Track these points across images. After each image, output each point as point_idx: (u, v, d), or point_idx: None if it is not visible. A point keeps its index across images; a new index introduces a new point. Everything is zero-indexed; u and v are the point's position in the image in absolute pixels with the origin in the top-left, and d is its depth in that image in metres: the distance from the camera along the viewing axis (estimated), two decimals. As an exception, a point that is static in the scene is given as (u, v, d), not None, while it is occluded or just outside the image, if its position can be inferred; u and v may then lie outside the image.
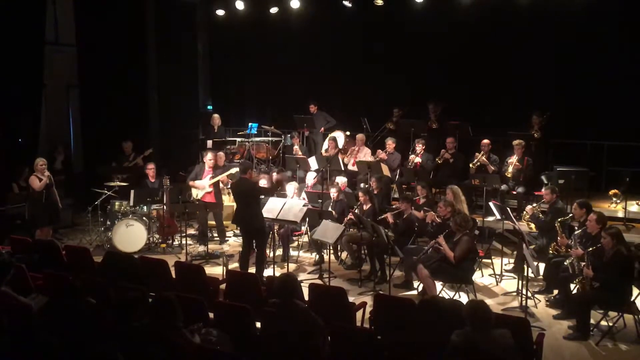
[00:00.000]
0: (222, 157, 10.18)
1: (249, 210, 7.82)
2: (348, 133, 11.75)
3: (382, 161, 10.46)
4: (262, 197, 8.05)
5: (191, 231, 10.29)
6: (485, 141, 10.07)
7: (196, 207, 9.56)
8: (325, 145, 11.36)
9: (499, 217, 8.55)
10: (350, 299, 6.23)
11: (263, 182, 9.29)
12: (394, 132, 11.46)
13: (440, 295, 7.09)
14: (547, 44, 11.09)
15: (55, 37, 12.27)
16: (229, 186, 9.90)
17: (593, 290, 6.39)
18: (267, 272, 7.90)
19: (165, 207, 9.66)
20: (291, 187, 9.37)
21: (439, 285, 7.31)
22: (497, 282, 8.09)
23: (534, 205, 8.42)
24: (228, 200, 10.40)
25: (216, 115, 12.67)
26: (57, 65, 12.15)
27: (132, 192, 9.54)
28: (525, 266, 6.66)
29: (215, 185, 9.54)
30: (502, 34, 11.44)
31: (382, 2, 11.91)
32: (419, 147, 10.47)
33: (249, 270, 7.70)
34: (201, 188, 9.52)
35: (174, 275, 6.80)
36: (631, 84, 10.38)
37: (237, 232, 10.28)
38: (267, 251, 8.68)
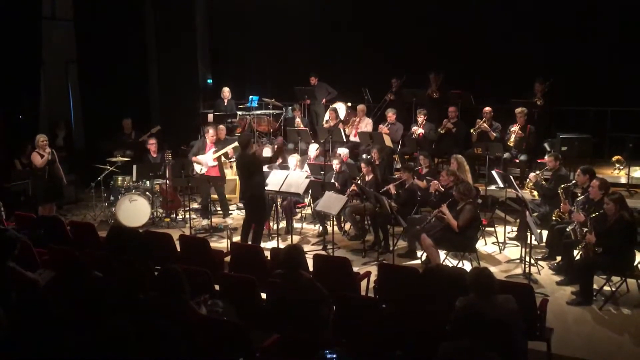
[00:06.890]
0: (223, 130, 10.14)
1: (249, 182, 7.88)
2: (349, 104, 11.66)
3: (385, 133, 10.41)
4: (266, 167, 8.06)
5: (194, 205, 10.32)
6: (487, 109, 9.99)
7: (199, 181, 9.56)
8: (327, 116, 11.30)
9: (501, 185, 8.55)
10: (355, 269, 6.25)
11: (267, 152, 9.27)
12: (394, 103, 11.36)
13: (443, 263, 7.12)
14: (548, 10, 10.93)
15: (52, 12, 12.14)
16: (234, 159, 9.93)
17: (596, 255, 6.42)
18: (271, 244, 7.93)
19: (167, 181, 9.67)
20: (293, 159, 9.35)
21: (442, 253, 7.34)
22: (501, 249, 8.12)
23: (537, 172, 8.41)
24: (231, 174, 10.41)
25: (226, 89, 12.39)
26: (55, 40, 12.03)
27: (134, 167, 9.55)
28: (529, 233, 6.69)
29: (219, 159, 9.53)
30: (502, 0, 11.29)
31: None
32: (421, 118, 10.39)
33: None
34: (204, 163, 9.51)
35: (178, 249, 6.84)
36: (634, 49, 10.26)
37: (240, 205, 10.32)
38: (271, 223, 8.72)
